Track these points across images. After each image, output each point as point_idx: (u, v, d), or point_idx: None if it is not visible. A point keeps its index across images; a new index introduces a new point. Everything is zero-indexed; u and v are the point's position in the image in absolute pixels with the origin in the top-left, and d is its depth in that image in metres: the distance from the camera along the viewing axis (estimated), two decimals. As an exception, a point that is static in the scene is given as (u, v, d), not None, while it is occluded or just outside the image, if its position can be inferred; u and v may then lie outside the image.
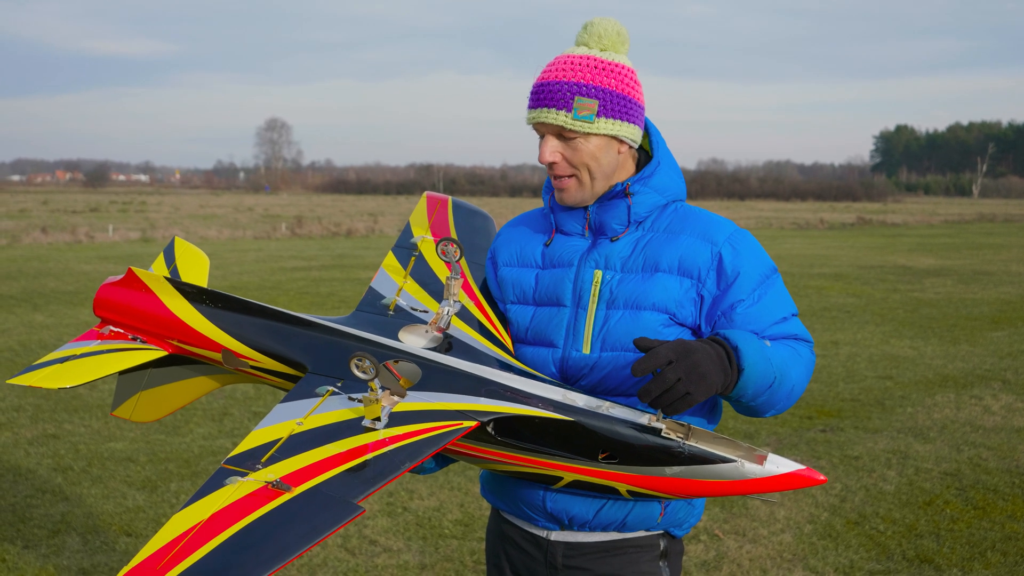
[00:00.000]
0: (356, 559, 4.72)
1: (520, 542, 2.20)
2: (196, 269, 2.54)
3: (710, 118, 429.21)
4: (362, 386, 1.98)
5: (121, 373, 2.40)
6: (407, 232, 2.58)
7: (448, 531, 5.09)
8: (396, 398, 1.92)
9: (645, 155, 2.19)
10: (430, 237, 2.54)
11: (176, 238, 2.64)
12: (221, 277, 17.12)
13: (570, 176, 2.09)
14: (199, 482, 5.79)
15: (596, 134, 2.05)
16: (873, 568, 4.67)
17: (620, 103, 2.06)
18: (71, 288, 15.25)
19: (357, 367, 1.79)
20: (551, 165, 2.09)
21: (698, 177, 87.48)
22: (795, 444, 6.67)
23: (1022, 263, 21.78)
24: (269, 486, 1.70)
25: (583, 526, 2.08)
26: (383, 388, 1.88)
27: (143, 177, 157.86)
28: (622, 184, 2.10)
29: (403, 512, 5.34)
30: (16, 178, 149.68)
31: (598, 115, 2.03)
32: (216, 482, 1.73)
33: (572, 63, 2.06)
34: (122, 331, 2.39)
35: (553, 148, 2.07)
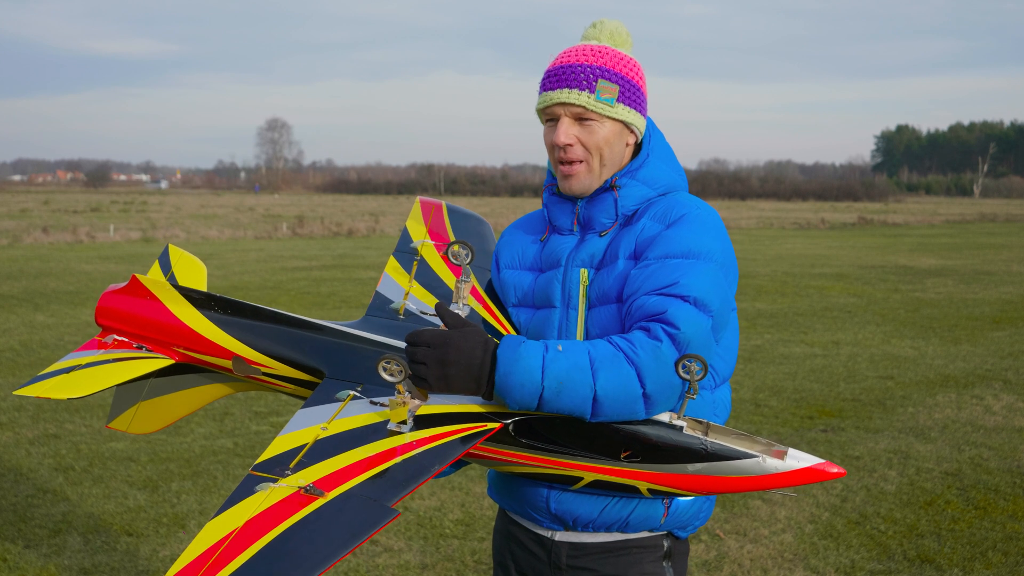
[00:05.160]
0: (357, 559, 4.72)
1: (526, 542, 2.20)
2: (194, 277, 2.48)
3: (710, 118, 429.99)
4: (382, 391, 1.97)
5: (119, 384, 2.32)
6: (406, 237, 2.57)
7: (449, 531, 5.09)
8: (419, 401, 1.91)
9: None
10: (430, 241, 2.54)
11: (169, 245, 2.58)
12: (222, 277, 17.13)
13: (581, 161, 2.07)
14: (200, 482, 5.80)
15: (613, 118, 2.06)
16: (874, 568, 4.67)
17: (635, 93, 2.09)
18: (72, 288, 15.26)
19: (385, 369, 1.77)
20: (565, 148, 2.06)
21: (699, 177, 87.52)
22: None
23: (1023, 263, 21.78)
24: (301, 491, 1.67)
25: (587, 526, 2.08)
26: (409, 391, 1.87)
27: (144, 177, 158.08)
28: (610, 178, 2.10)
29: (404, 512, 5.33)
30: (17, 178, 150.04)
31: (618, 100, 2.05)
32: (246, 489, 1.70)
33: (593, 50, 2.08)
34: (127, 340, 2.33)
35: (569, 130, 2.05)
